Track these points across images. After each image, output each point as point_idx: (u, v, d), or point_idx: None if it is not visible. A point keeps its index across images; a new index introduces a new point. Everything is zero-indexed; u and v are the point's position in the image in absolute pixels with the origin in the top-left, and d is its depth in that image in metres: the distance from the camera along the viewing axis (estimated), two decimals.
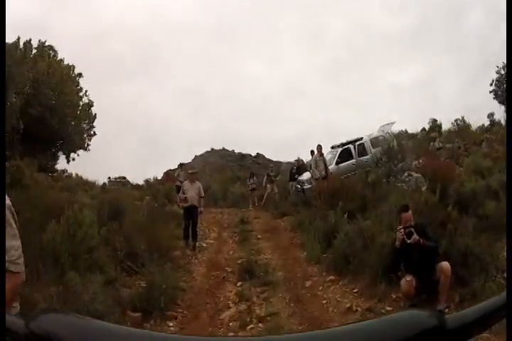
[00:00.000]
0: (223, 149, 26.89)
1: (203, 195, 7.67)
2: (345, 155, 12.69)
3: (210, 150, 26.81)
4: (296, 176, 12.61)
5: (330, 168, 11.44)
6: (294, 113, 54.17)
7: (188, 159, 24.23)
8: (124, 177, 21.33)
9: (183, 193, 7.62)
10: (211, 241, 8.20)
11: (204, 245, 7.79)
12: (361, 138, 13.42)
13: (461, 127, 18.47)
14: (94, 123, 18.37)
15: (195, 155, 26.23)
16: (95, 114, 17.81)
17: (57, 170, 19.13)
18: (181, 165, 14.22)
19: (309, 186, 11.56)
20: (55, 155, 18.54)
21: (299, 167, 13.18)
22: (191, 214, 7.44)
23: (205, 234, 9.26)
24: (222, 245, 7.75)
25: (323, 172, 10.22)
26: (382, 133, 14.00)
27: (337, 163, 12.21)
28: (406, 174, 8.97)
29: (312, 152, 11.57)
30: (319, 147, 10.69)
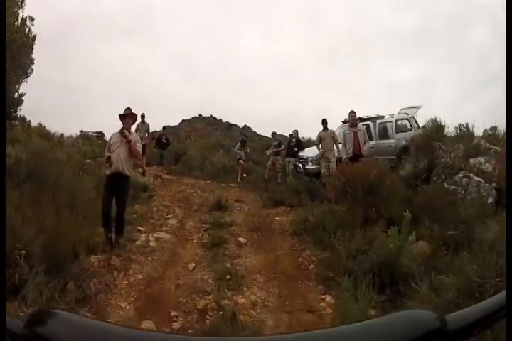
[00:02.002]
0: (211, 116, 26.60)
1: (139, 152, 4.62)
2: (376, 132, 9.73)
3: (197, 116, 26.59)
4: (295, 150, 9.58)
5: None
6: (284, 91, 52.97)
7: (175, 122, 24.25)
8: (101, 132, 19.08)
9: (109, 150, 4.52)
10: (165, 235, 5.19)
11: (151, 243, 4.79)
12: (383, 117, 10.42)
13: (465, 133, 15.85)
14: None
15: (183, 119, 25.93)
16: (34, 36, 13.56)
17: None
18: (164, 128, 11.09)
19: (314, 167, 8.62)
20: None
21: (299, 141, 10.13)
22: (116, 189, 4.44)
23: (162, 218, 6.26)
24: (180, 248, 4.77)
25: (351, 151, 7.20)
26: (406, 116, 11.06)
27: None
28: (461, 175, 6.15)
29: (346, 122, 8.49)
30: (353, 114, 7.54)
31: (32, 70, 19.20)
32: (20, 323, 0.50)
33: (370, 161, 6.00)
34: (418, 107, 11.83)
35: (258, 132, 25.23)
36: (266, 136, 22.15)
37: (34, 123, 15.41)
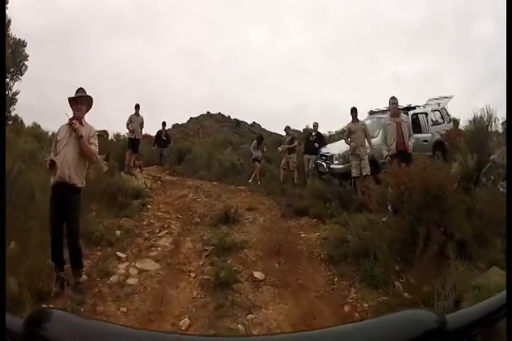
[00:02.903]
0: (219, 114, 26.23)
1: (94, 153, 3.17)
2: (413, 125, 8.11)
3: (205, 113, 26.27)
4: (316, 146, 8.07)
5: (373, 142, 6.96)
6: (292, 87, 52.38)
7: (183, 120, 24.39)
8: (105, 131, 17.77)
9: (55, 151, 3.12)
10: (151, 266, 3.77)
11: (130, 280, 3.38)
12: (414, 108, 8.88)
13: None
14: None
15: (191, 117, 25.67)
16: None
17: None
18: (164, 124, 9.77)
19: (341, 166, 7.13)
20: None
21: (320, 135, 8.62)
22: (62, 206, 3.04)
23: (153, 235, 4.85)
24: (171, 287, 3.32)
25: (395, 147, 5.71)
26: (438, 107, 9.47)
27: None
28: None
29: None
30: (394, 101, 6.00)
31: (26, 67, 17.95)
32: (20, 323, 0.50)
33: (427, 161, 4.47)
34: (450, 97, 10.23)
35: (267, 129, 24.85)
36: (275, 133, 21.65)
37: (29, 123, 14.39)
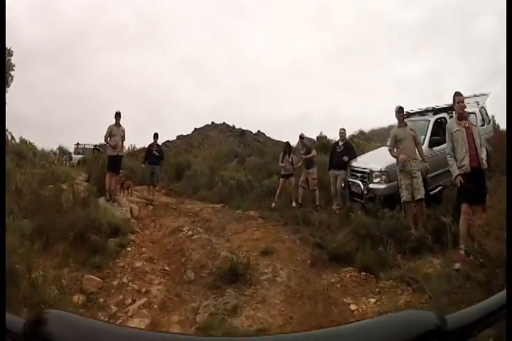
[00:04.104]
0: (224, 124, 25.72)
1: None
2: (437, 131, 6.37)
3: (210, 124, 25.84)
4: (345, 159, 6.35)
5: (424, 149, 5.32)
6: (296, 93, 51.57)
7: (187, 131, 23.60)
8: (101, 146, 16.31)
9: None
10: None
11: None
12: (452, 107, 7.09)
13: None
14: None
15: (195, 128, 25.22)
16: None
17: None
18: (156, 136, 8.02)
19: (384, 186, 5.42)
20: None
21: (349, 144, 6.89)
22: None
23: (121, 310, 3.14)
24: None
25: (468, 163, 4.00)
26: (477, 106, 7.71)
27: (431, 145, 5.93)
28: None
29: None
30: (460, 98, 4.37)
31: (12, 78, 16.48)
32: (21, 323, 0.49)
33: None
34: (487, 94, 8.50)
35: (272, 137, 23.88)
36: (280, 141, 21.14)
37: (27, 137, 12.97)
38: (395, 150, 4.99)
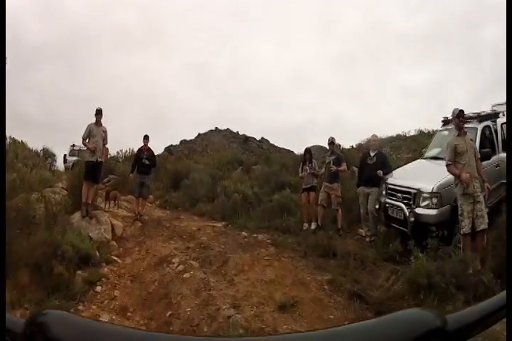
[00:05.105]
0: (227, 129, 25.72)
1: None
2: (485, 142, 5.16)
3: (214, 129, 25.89)
4: (379, 174, 5.06)
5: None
6: (300, 100, 51.14)
7: (190, 136, 23.71)
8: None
9: None
10: None
11: None
12: (497, 115, 5.97)
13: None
14: None
15: (199, 133, 25.20)
16: None
17: None
18: (146, 137, 6.66)
19: (435, 213, 4.16)
20: None
21: (382, 155, 5.58)
22: None
23: None
24: None
25: None
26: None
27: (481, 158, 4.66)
28: None
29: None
30: None
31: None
32: (21, 323, 0.49)
33: None
34: None
35: (276, 144, 23.81)
36: (284, 148, 21.41)
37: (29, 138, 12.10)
38: (454, 165, 3.78)
